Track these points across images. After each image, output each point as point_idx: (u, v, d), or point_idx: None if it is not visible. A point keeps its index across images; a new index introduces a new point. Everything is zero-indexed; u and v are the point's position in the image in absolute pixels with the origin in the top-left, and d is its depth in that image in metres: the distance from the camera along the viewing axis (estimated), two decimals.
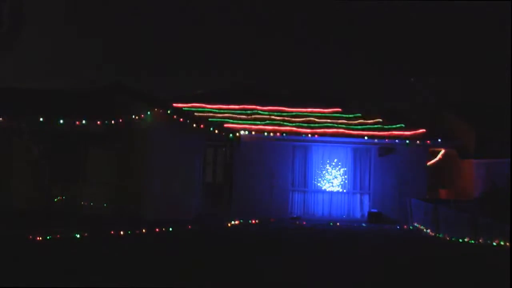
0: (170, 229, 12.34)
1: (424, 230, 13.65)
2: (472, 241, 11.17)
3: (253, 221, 14.56)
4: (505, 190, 11.60)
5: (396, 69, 28.98)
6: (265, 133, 15.55)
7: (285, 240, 11.44)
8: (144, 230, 11.97)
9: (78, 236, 10.80)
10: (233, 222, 14.05)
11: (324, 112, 17.75)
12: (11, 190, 13.48)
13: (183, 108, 15.97)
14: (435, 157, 16.85)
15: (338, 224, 14.72)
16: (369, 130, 16.16)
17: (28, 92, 14.73)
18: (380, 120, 17.02)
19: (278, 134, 15.56)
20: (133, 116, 13.79)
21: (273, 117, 17.13)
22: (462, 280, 7.84)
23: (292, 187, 16.00)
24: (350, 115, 17.39)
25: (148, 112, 14.04)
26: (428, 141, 15.48)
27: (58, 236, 10.65)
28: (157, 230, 12.02)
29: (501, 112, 16.28)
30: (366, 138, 15.55)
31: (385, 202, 15.48)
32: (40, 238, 10.35)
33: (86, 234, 10.99)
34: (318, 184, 15.85)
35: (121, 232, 11.45)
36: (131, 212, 13.69)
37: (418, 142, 15.48)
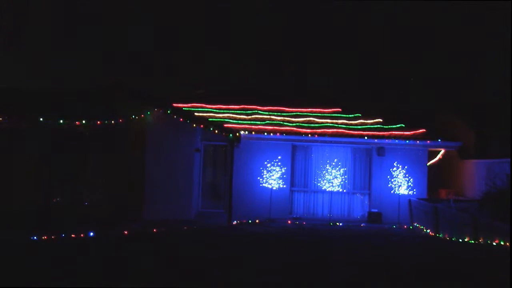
0: (170, 229, 12.34)
1: (424, 230, 13.66)
2: (472, 241, 11.17)
3: (253, 221, 14.56)
4: (505, 190, 11.58)
5: (396, 70, 28.99)
6: (265, 133, 15.54)
7: (285, 240, 11.42)
8: (144, 230, 11.98)
9: (77, 236, 10.80)
10: (233, 222, 14.04)
11: (324, 112, 17.77)
12: (11, 190, 13.47)
13: (183, 108, 15.97)
14: (435, 157, 16.85)
15: (338, 224, 14.73)
16: (369, 130, 16.16)
17: (28, 92, 14.74)
18: (380, 120, 17.03)
19: (278, 134, 15.55)
20: (133, 116, 13.81)
21: (273, 117, 17.13)
22: (463, 280, 7.83)
23: (292, 187, 16.00)
24: (350, 115, 17.41)
25: (148, 112, 14.07)
26: (428, 141, 15.48)
27: (57, 236, 10.65)
28: (156, 230, 12.01)
29: (501, 112, 16.26)
30: (366, 138, 15.55)
31: (385, 202, 15.48)
32: (40, 238, 10.35)
33: (85, 234, 10.99)
34: (318, 184, 15.84)
35: (121, 232, 11.46)
36: (131, 212, 13.71)
37: (418, 142, 15.49)
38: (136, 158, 14.02)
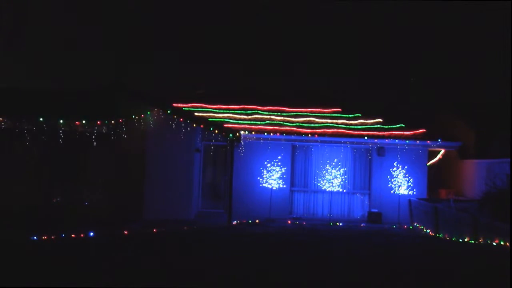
0: (170, 229, 12.33)
1: (424, 230, 13.66)
2: (472, 241, 11.17)
3: (253, 221, 14.55)
4: (505, 190, 11.58)
5: (396, 70, 29.00)
6: (265, 133, 15.54)
7: (285, 240, 11.42)
8: (144, 230, 11.97)
9: (77, 236, 10.80)
10: (233, 222, 14.04)
11: (324, 112, 17.77)
12: (11, 190, 13.47)
13: (183, 108, 15.97)
14: (435, 157, 16.85)
15: (338, 224, 14.72)
16: (369, 130, 16.16)
17: (28, 92, 14.74)
18: (380, 120, 17.03)
19: (278, 134, 15.55)
20: (133, 116, 13.81)
21: (273, 117, 17.13)
22: (463, 280, 7.83)
23: (292, 187, 15.99)
24: (350, 115, 17.41)
25: (148, 112, 14.07)
26: (428, 141, 15.48)
27: (57, 236, 10.65)
28: (156, 230, 12.01)
29: (501, 112, 16.26)
30: (366, 138, 15.55)
31: (385, 202, 15.48)
32: (40, 238, 10.35)
33: (85, 234, 11.00)
34: (318, 184, 15.84)
35: (121, 232, 11.45)
36: (131, 212, 13.71)
37: (418, 142, 15.48)
38: (136, 158, 14.02)
